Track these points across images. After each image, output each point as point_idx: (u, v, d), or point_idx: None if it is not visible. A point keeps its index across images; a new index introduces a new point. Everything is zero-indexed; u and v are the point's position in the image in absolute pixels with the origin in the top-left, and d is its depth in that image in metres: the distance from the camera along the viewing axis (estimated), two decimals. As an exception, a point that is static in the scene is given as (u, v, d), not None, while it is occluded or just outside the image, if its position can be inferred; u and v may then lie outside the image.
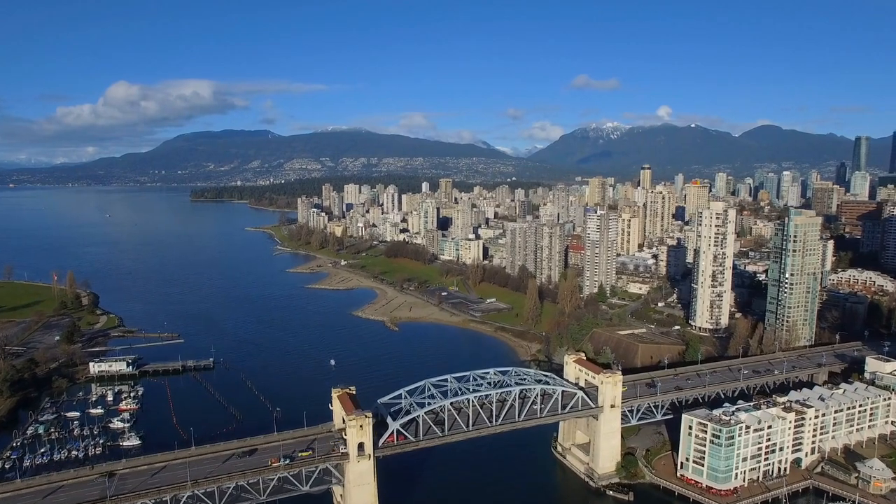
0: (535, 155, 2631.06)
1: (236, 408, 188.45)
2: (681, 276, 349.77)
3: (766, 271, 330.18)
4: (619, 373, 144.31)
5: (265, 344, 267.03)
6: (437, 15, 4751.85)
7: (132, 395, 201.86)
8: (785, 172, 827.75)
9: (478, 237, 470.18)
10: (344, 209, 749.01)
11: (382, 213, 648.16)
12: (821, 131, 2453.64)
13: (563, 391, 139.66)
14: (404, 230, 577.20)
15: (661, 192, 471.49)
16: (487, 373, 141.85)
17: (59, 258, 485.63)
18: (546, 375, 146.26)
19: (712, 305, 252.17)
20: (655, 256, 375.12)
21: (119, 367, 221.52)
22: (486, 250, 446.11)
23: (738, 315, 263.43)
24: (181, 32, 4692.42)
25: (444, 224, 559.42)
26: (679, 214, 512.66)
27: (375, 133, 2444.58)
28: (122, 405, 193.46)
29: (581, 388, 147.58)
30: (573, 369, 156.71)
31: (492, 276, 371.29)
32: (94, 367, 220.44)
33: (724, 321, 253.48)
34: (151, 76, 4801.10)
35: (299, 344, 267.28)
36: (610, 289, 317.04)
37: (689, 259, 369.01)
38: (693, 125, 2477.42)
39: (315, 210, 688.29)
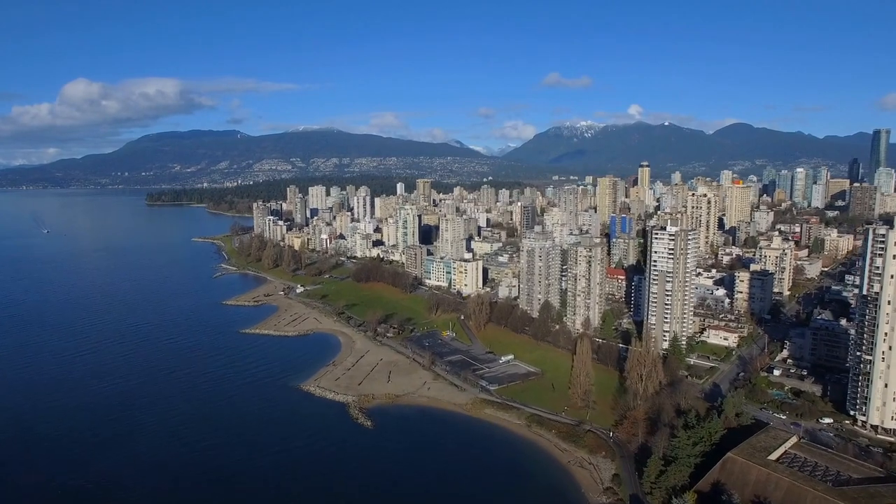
0: (510, 154, 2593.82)
1: None
2: (769, 314, 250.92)
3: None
4: None
5: (133, 488, 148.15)
6: (407, 13, 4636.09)
7: None
8: (798, 170, 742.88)
9: (474, 256, 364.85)
10: (308, 215, 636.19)
11: (352, 221, 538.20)
12: (789, 129, 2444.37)
13: None
14: (378, 242, 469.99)
15: (705, 195, 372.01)
16: None
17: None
18: None
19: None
20: (723, 284, 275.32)
21: None
22: (485, 272, 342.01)
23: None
24: (144, 29, 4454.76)
25: (426, 234, 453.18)
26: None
27: (347, 132, 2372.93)
28: None
29: None
30: None
31: (503, 315, 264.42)
32: None
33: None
34: (113, 74, 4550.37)
35: (207, 491, 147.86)
36: (686, 342, 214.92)
37: (776, 289, 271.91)
38: (666, 123, 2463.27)
39: (271, 218, 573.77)
